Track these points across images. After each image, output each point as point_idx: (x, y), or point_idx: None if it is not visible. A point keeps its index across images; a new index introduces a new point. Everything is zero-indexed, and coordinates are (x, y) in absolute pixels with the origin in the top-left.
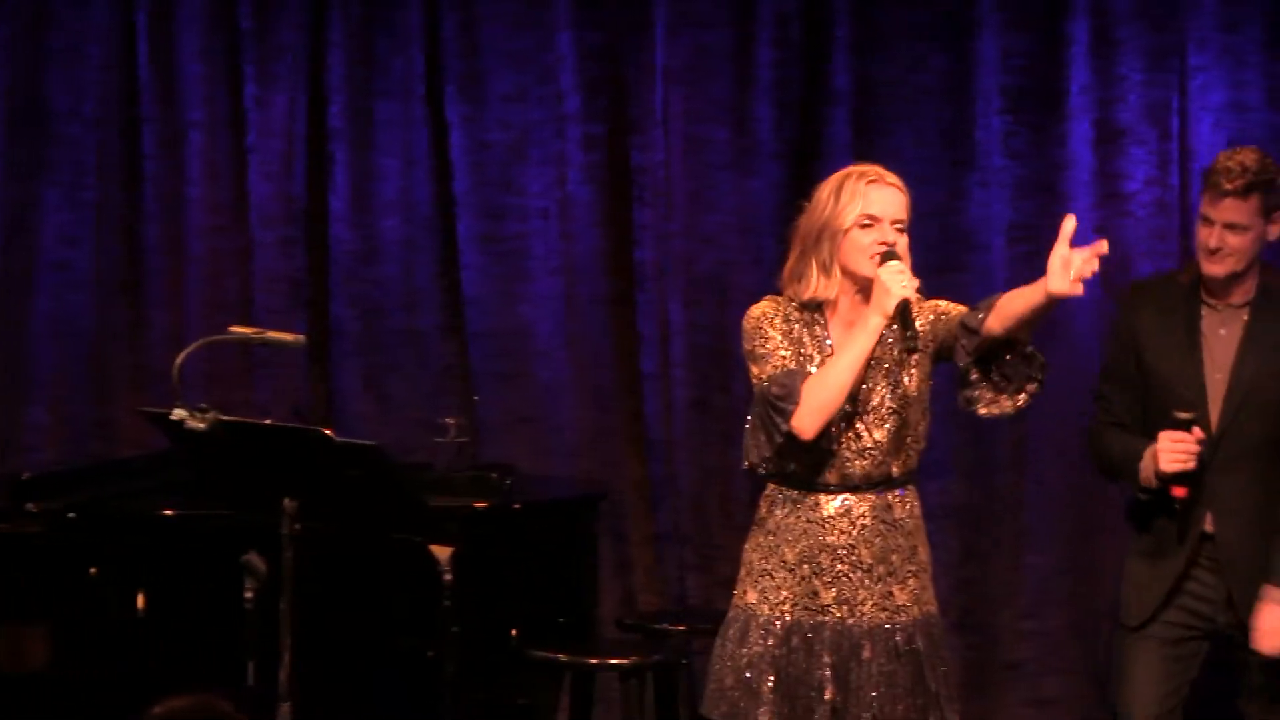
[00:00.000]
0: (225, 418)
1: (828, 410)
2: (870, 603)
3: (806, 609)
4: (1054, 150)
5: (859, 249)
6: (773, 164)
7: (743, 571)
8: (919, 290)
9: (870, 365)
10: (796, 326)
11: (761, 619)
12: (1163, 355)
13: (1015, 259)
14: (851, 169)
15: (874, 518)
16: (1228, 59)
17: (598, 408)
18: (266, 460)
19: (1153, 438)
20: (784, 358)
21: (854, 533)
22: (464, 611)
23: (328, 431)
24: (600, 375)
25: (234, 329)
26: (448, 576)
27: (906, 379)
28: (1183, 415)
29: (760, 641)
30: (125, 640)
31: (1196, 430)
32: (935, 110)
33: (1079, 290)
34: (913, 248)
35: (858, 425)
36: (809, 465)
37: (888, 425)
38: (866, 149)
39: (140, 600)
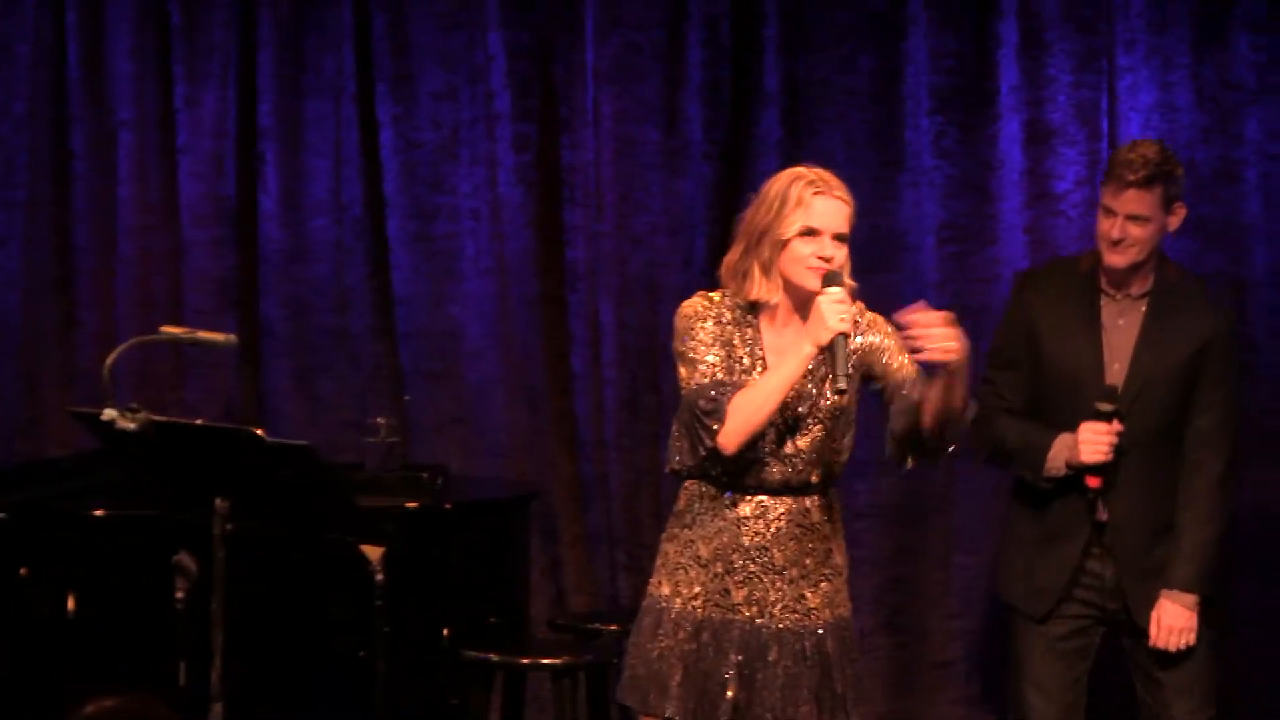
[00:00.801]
0: (156, 418)
1: (752, 429)
2: (781, 605)
3: (718, 606)
4: (984, 150)
5: (797, 259)
6: (703, 164)
7: (659, 561)
8: (854, 292)
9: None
10: (729, 328)
11: (674, 612)
12: (1060, 342)
13: (946, 259)
14: (801, 173)
15: (789, 521)
16: (1156, 60)
17: (529, 408)
18: (197, 460)
19: (1045, 423)
20: (713, 363)
21: (768, 535)
22: (395, 612)
23: (259, 432)
24: (531, 375)
25: (165, 329)
26: (379, 577)
27: (833, 394)
28: (1105, 407)
29: (671, 635)
30: (55, 641)
31: (1116, 422)
32: (865, 110)
33: (949, 356)
34: None
35: (783, 433)
36: (730, 469)
37: (812, 435)
38: (796, 149)
39: (70, 601)
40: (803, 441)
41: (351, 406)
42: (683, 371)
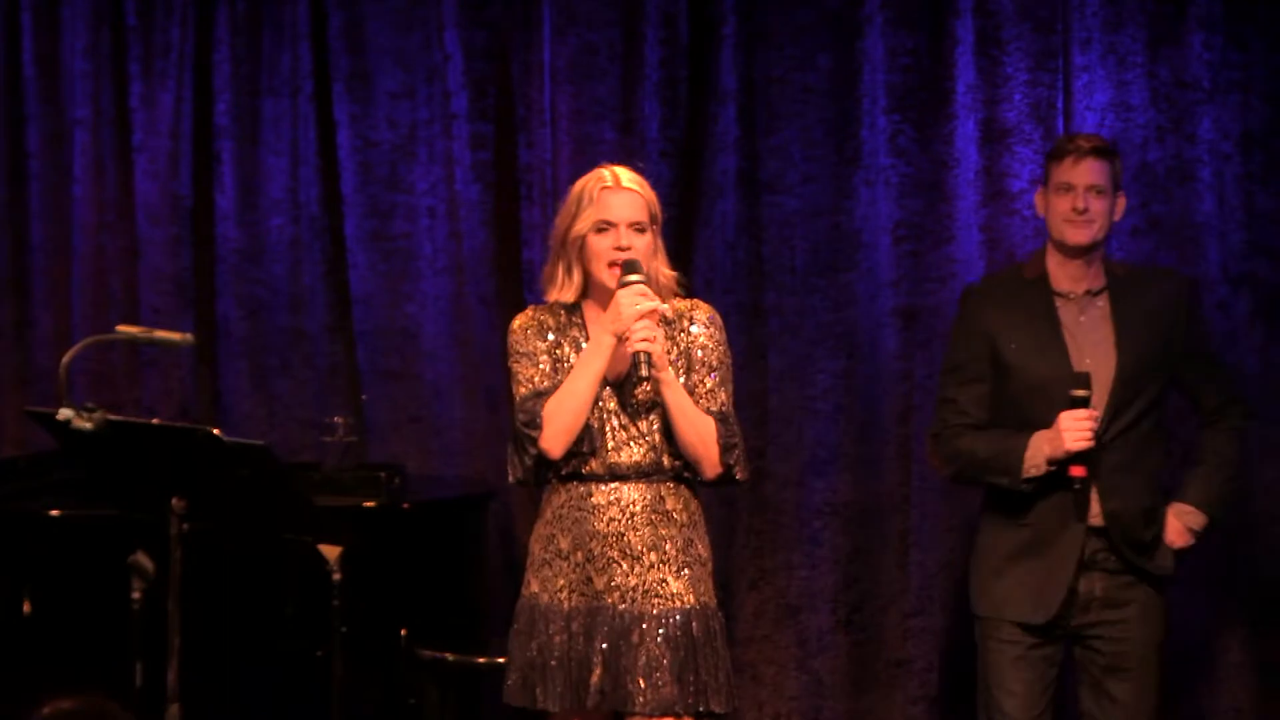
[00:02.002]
0: (113, 417)
1: (571, 429)
2: (641, 590)
3: (582, 595)
4: (940, 149)
5: (597, 255)
6: (660, 163)
7: (528, 562)
8: (678, 281)
9: (630, 366)
10: (553, 332)
11: (543, 607)
12: (1025, 351)
13: (902, 257)
14: (593, 172)
15: (644, 506)
16: (1111, 59)
17: (486, 407)
18: (154, 460)
19: (1017, 431)
20: (531, 374)
21: (623, 520)
22: (352, 611)
23: (216, 431)
24: (488, 375)
25: (122, 328)
26: (336, 576)
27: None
28: (1080, 393)
29: (544, 630)
30: (11, 641)
31: (1092, 409)
32: (822, 109)
33: (642, 347)
34: (801, 246)
35: (623, 417)
36: (578, 460)
37: (651, 416)
38: (753, 147)
39: (26, 602)
40: (644, 425)
41: (308, 406)
42: (514, 388)
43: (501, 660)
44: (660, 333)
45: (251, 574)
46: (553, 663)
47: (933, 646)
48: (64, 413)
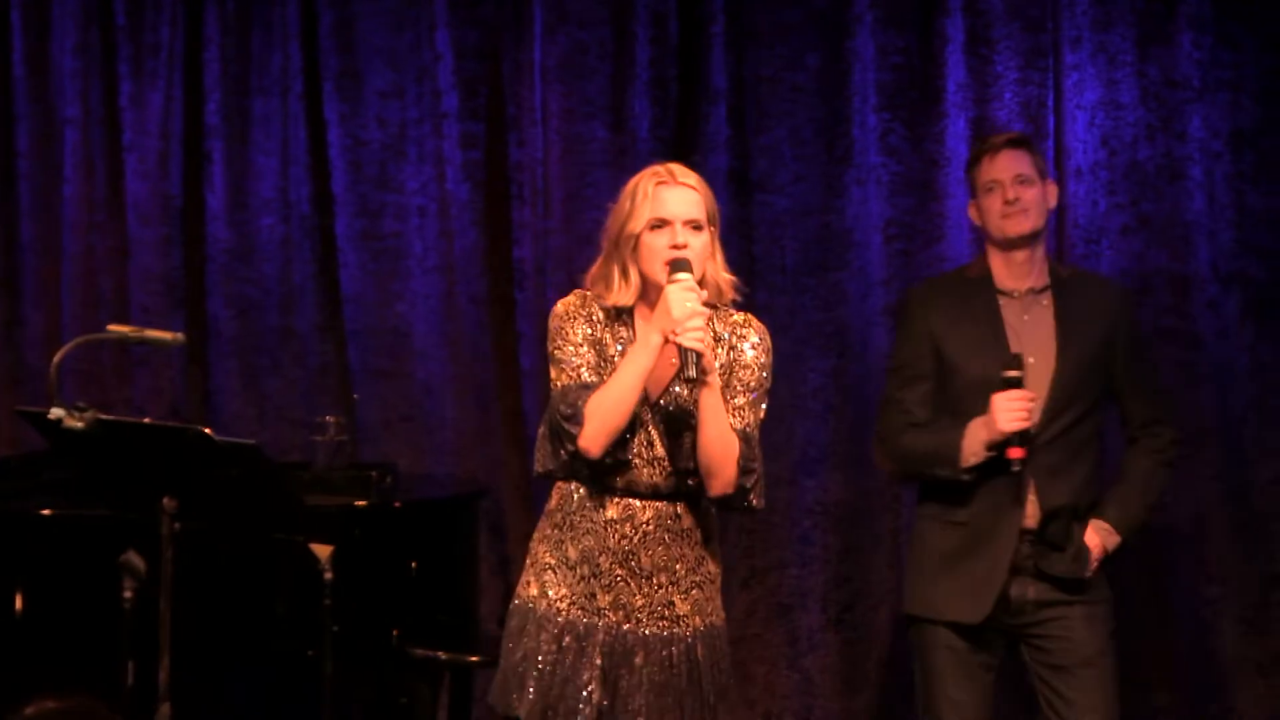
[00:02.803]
0: (104, 416)
1: (613, 429)
2: (648, 611)
3: (583, 609)
4: (930, 147)
5: (652, 253)
6: (651, 162)
7: (528, 561)
8: (735, 286)
9: (675, 375)
10: (599, 327)
11: (539, 613)
12: (968, 349)
13: (893, 256)
14: (647, 169)
15: (658, 525)
16: (1101, 58)
17: (477, 406)
18: (145, 459)
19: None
20: (579, 365)
21: (635, 539)
22: (344, 610)
23: (207, 430)
24: (479, 373)
25: (113, 327)
26: (327, 575)
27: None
28: (1012, 373)
29: (534, 636)
30: (2, 641)
31: (1026, 390)
32: (812, 108)
33: (693, 344)
34: (791, 246)
35: (651, 433)
36: (599, 469)
37: (682, 438)
38: (744, 146)
39: (18, 600)
40: (673, 444)
41: (299, 405)
42: (552, 373)
43: (493, 659)
44: (709, 336)
45: (243, 573)
46: (534, 671)
47: None
48: (55, 412)
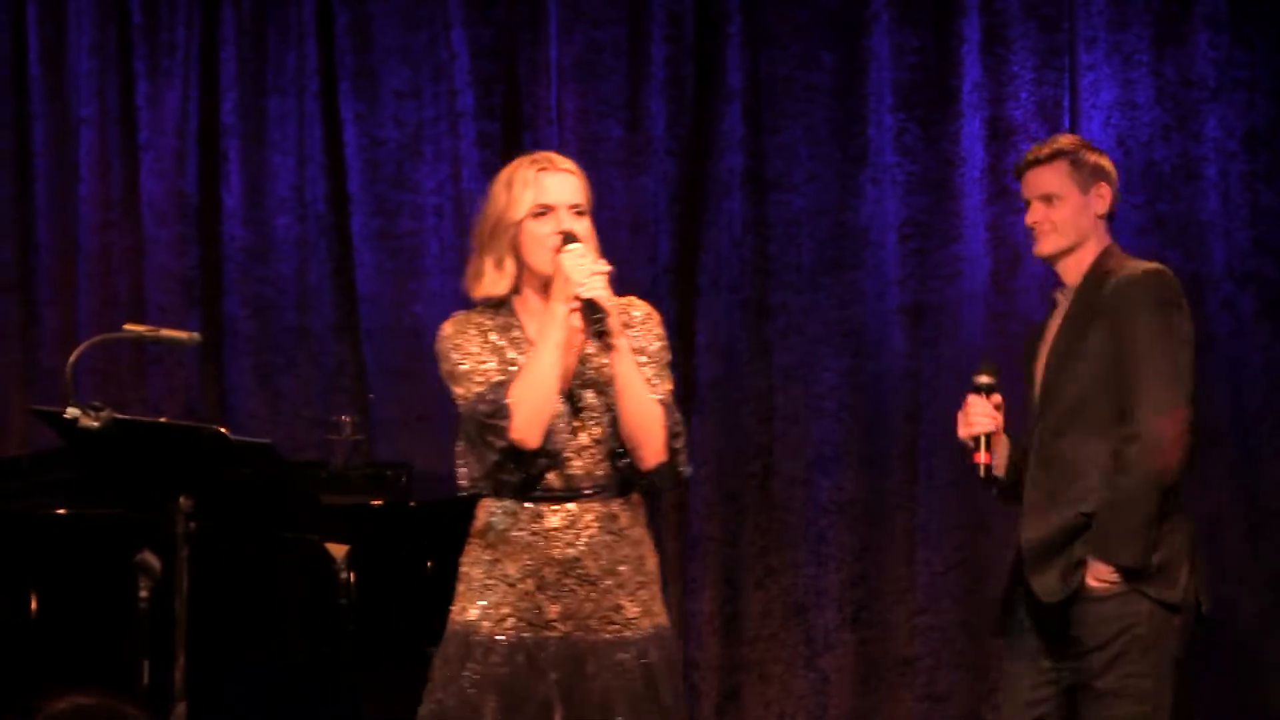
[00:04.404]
0: (120, 416)
1: (543, 413)
2: (597, 616)
3: (531, 625)
4: (946, 147)
5: (536, 240)
6: (666, 161)
7: (461, 586)
8: (611, 276)
9: (579, 364)
10: (492, 333)
11: (483, 637)
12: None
13: (908, 256)
14: (523, 158)
15: (600, 528)
16: (1116, 57)
17: None
18: (161, 459)
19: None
20: (485, 369)
21: (580, 545)
22: (361, 609)
23: (223, 430)
24: None
25: (129, 326)
26: (344, 575)
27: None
28: (982, 380)
29: (482, 660)
30: (18, 641)
31: (996, 396)
32: (828, 107)
33: (597, 293)
34: (807, 245)
35: (573, 422)
36: (531, 470)
37: (604, 423)
38: (759, 145)
39: (33, 600)
40: (598, 430)
41: (315, 404)
42: (458, 390)
43: None
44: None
45: (258, 572)
46: (492, 697)
47: (940, 644)
48: (71, 411)
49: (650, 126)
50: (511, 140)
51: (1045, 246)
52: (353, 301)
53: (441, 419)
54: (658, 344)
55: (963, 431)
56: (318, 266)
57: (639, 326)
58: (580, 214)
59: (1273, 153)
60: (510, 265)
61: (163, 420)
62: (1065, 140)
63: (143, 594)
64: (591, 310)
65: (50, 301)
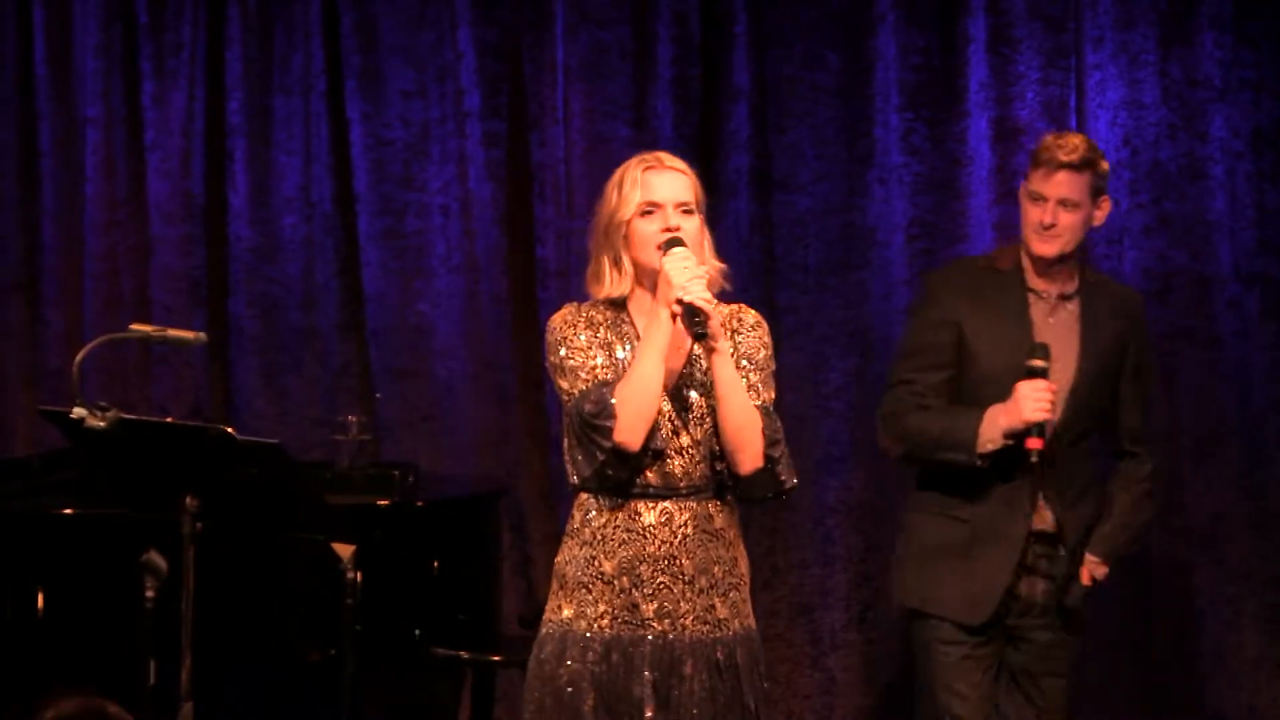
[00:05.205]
0: (126, 416)
1: (647, 416)
2: (692, 615)
3: (626, 623)
4: (953, 147)
5: (643, 239)
6: None
7: (555, 586)
8: (725, 274)
9: (686, 365)
10: (603, 329)
11: (579, 635)
12: (991, 340)
13: (915, 256)
14: (633, 159)
15: (695, 527)
16: (1123, 57)
17: (499, 405)
18: (167, 459)
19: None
20: (594, 368)
21: (675, 542)
22: (366, 609)
23: (229, 430)
24: (501, 373)
25: (135, 326)
26: (350, 575)
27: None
28: (1037, 363)
29: (579, 659)
30: (24, 640)
31: (1048, 380)
32: (834, 107)
33: (698, 297)
34: (814, 245)
35: (675, 422)
36: (636, 467)
37: (705, 425)
38: (765, 146)
39: (39, 600)
40: (698, 432)
41: (321, 404)
42: (563, 384)
43: (515, 658)
44: (714, 301)
45: (264, 573)
46: (589, 694)
47: None
48: (77, 411)
49: (657, 126)
50: (518, 140)
51: (1053, 248)
52: (359, 301)
53: (447, 419)
54: (764, 352)
55: (1030, 415)
56: (324, 266)
57: (747, 333)
58: (688, 212)
59: (1278, 153)
60: (628, 265)
61: (169, 420)
62: (1083, 141)
63: (149, 594)
64: (692, 314)
65: (56, 301)
